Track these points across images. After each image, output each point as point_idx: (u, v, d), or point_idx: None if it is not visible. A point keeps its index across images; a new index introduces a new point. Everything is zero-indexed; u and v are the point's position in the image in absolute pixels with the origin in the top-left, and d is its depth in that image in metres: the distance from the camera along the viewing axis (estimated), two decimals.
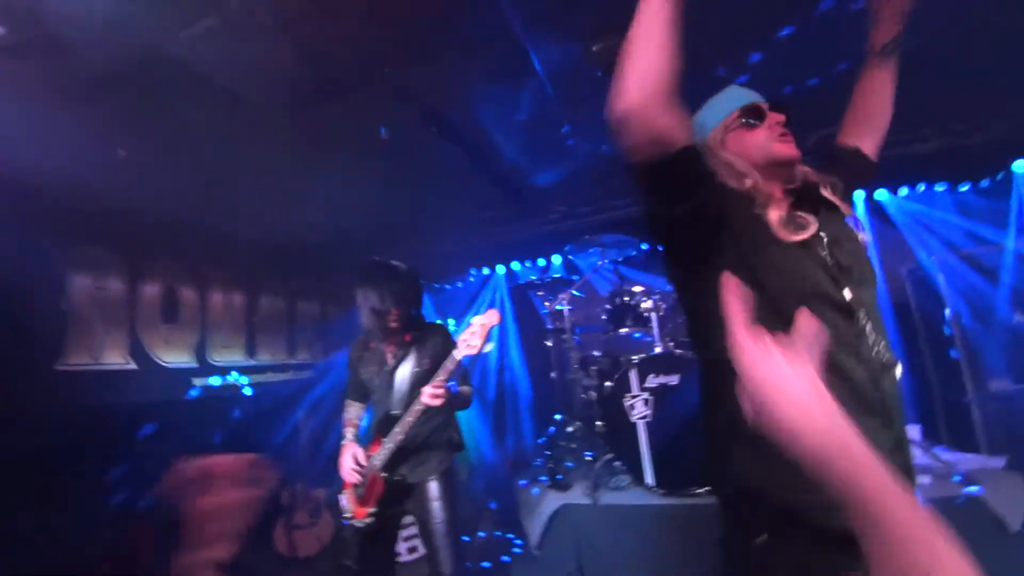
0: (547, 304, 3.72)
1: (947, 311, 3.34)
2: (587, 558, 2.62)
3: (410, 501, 2.30)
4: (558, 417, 3.73)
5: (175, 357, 4.01)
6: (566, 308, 3.46)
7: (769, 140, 1.22)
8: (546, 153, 3.73)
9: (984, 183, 3.70)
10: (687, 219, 1.07)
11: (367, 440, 2.37)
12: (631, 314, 3.06)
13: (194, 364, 4.14)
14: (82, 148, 2.63)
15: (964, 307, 3.30)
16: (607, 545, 2.61)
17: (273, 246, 4.57)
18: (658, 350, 2.86)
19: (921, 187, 3.83)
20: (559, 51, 2.62)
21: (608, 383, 2.84)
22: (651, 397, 2.72)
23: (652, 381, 2.73)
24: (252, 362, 4.72)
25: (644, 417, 2.72)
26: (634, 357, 2.80)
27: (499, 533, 3.48)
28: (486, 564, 3.23)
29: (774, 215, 1.12)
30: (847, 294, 1.09)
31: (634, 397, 2.76)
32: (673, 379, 2.70)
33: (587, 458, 3.02)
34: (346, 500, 2.32)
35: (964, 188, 3.76)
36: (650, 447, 2.69)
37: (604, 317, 3.27)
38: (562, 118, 3.23)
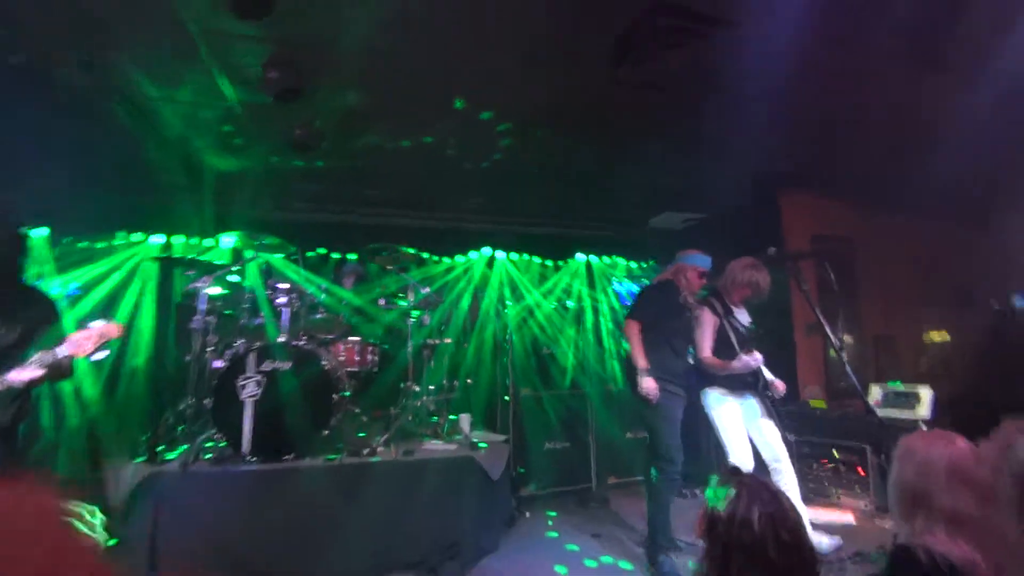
0: (196, 285, 3.75)
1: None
2: (164, 521, 2.82)
3: None
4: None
5: None
6: (214, 290, 3.61)
7: None
8: (224, 144, 3.87)
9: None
10: None
11: None
12: (268, 306, 3.45)
13: None
14: None
15: None
16: (189, 507, 2.86)
17: None
18: (281, 340, 3.32)
19: None
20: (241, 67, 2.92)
21: (223, 363, 3.14)
22: (263, 379, 3.14)
23: (267, 365, 3.17)
24: None
25: (253, 396, 3.12)
26: (255, 343, 3.19)
27: None
28: None
29: None
30: None
31: (248, 378, 3.14)
32: (285, 365, 3.19)
33: (191, 433, 3.23)
34: None
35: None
36: (252, 423, 3.09)
37: (246, 307, 3.55)
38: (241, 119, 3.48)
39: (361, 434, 3.82)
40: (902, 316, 5.75)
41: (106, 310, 4.13)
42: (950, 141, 3.64)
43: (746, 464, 3.13)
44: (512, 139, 4.05)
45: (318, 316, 3.77)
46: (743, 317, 3.44)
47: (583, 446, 4.60)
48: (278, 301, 3.43)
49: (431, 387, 4.13)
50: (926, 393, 4.15)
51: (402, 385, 4.04)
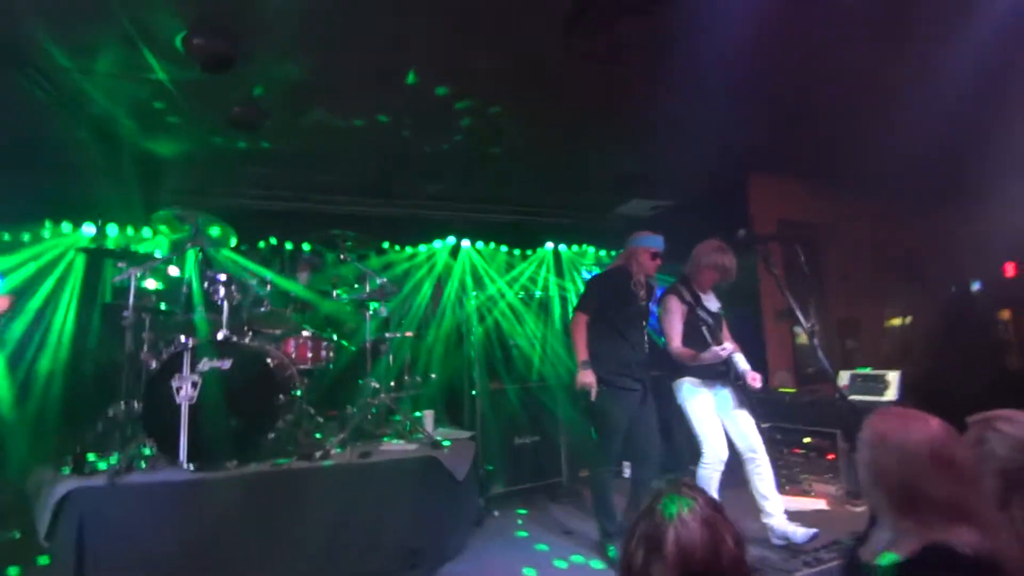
0: (129, 277, 3.40)
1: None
2: (92, 538, 2.53)
3: None
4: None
5: None
6: (146, 283, 3.28)
7: None
8: (157, 123, 3.53)
9: None
10: None
11: None
12: (206, 299, 3.15)
13: None
14: None
15: None
16: (119, 521, 2.58)
17: None
18: (220, 336, 3.04)
19: None
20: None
21: (156, 364, 2.85)
22: (199, 380, 2.86)
23: (204, 365, 2.88)
24: None
25: (189, 399, 2.84)
26: (191, 340, 2.90)
27: None
28: None
29: None
30: None
31: (183, 379, 2.85)
32: (225, 364, 2.91)
33: (123, 440, 2.92)
34: None
35: None
36: (189, 427, 2.81)
37: (182, 300, 3.25)
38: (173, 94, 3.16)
39: (317, 435, 3.57)
40: (866, 300, 5.79)
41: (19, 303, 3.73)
42: (913, 123, 3.60)
43: (721, 454, 3.03)
44: (472, 119, 3.82)
45: (263, 310, 3.49)
46: (712, 303, 3.33)
47: (553, 439, 4.45)
48: (218, 294, 3.13)
49: (391, 383, 3.90)
50: (894, 377, 4.16)
51: (360, 382, 3.80)
